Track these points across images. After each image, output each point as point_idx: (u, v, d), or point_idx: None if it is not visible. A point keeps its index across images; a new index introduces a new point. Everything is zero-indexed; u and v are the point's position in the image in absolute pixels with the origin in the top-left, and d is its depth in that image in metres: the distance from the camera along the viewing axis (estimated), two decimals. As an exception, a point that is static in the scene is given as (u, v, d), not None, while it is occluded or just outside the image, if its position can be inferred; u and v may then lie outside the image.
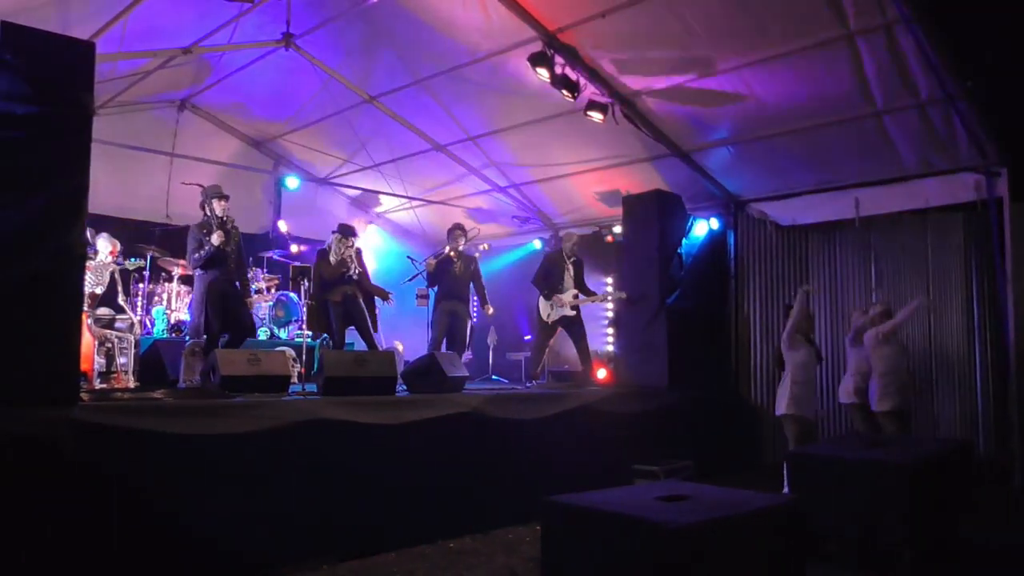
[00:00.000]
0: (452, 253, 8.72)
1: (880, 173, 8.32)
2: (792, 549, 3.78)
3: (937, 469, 5.17)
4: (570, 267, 8.90)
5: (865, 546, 4.94)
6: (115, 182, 9.51)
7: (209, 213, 6.88)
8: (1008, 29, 6.82)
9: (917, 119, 7.50)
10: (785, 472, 5.33)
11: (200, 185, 7.45)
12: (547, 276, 8.88)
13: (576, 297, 8.80)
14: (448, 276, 8.68)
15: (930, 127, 7.55)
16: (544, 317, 8.86)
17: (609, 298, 10.24)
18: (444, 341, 8.54)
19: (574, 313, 8.82)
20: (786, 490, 5.32)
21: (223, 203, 6.91)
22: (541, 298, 8.88)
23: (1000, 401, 8.08)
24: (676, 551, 3.15)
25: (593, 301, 9.22)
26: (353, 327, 7.76)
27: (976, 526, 5.89)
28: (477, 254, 9.45)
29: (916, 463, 4.89)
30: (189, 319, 8.67)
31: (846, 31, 6.72)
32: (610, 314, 11.07)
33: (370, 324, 7.76)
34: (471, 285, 8.88)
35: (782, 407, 6.77)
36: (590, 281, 9.31)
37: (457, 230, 8.90)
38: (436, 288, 8.85)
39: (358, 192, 12.26)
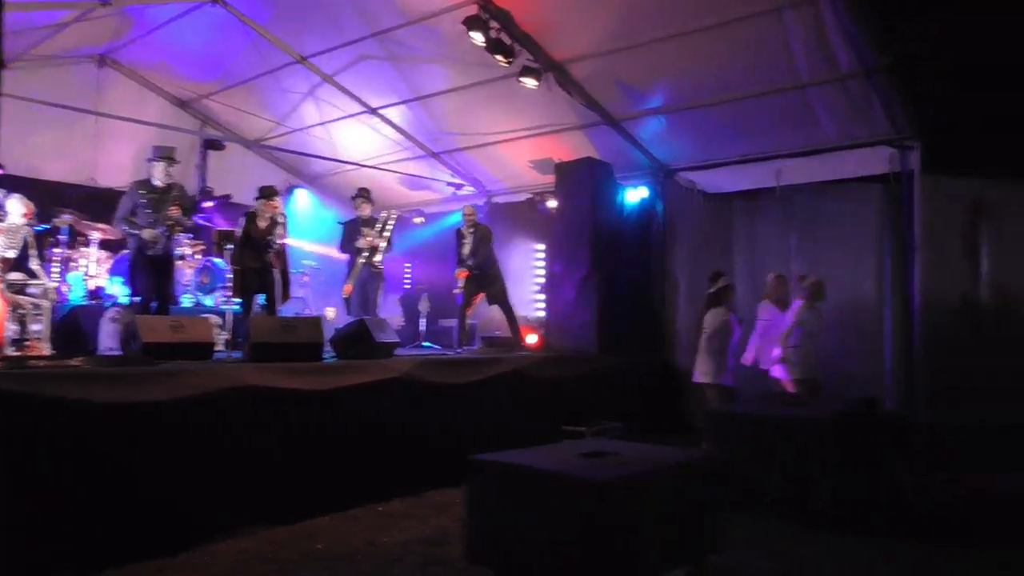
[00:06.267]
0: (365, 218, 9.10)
1: (802, 144, 8.56)
2: (711, 501, 3.96)
3: (854, 424, 5.44)
4: (469, 237, 9.23)
5: (789, 498, 5.19)
6: (32, 142, 9.12)
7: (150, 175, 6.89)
8: (924, 5, 7.08)
9: (838, 92, 7.73)
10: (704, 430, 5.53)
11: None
12: (456, 249, 9.31)
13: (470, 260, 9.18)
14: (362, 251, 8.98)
15: (850, 100, 7.80)
16: (457, 285, 9.21)
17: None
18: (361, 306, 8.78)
19: (476, 277, 9.14)
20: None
21: (167, 167, 6.90)
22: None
23: (907, 365, 8.50)
24: (597, 504, 3.27)
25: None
26: (263, 295, 7.70)
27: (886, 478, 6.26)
28: (384, 214, 9.55)
29: (836, 417, 5.13)
30: (110, 285, 8.46)
31: (774, 4, 6.87)
32: (541, 280, 11.19)
33: (278, 297, 7.71)
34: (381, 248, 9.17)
35: (700, 375, 6.96)
36: (522, 248, 9.44)
37: (360, 196, 9.23)
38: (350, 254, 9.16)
39: (289, 156, 12.02)
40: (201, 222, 10.16)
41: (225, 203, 10.79)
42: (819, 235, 9.26)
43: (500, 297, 9.20)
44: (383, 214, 9.39)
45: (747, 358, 7.70)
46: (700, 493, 3.84)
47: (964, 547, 4.80)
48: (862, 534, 4.98)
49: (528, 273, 11.42)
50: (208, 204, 10.52)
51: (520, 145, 10.33)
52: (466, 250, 9.20)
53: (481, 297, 9.30)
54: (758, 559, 4.46)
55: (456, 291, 9.19)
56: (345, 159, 11.30)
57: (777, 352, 7.33)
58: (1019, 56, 6.56)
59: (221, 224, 10.25)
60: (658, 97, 8.61)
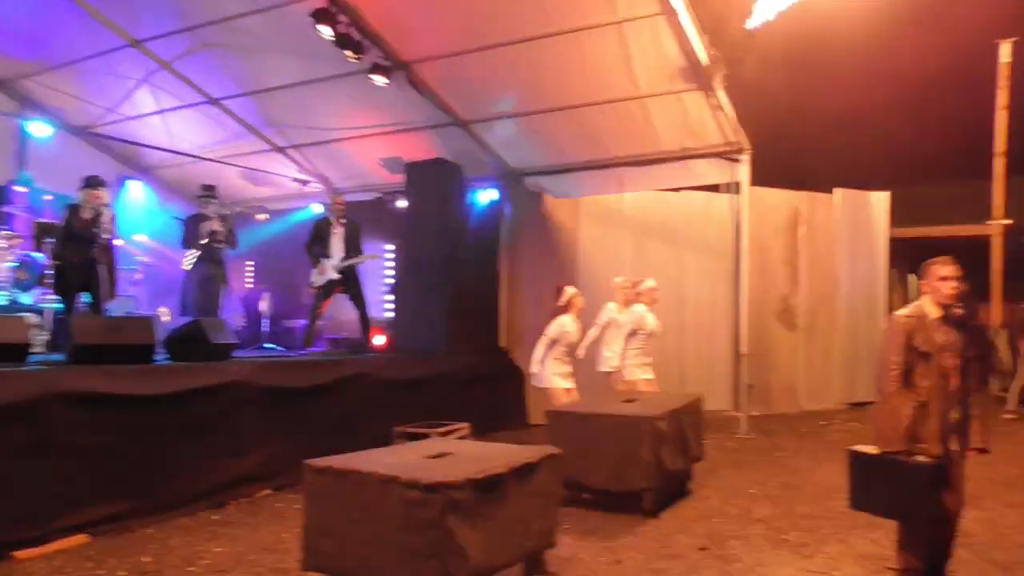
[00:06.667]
0: (210, 213, 8.55)
1: (643, 153, 8.97)
2: (550, 497, 4.07)
3: (678, 420, 5.75)
4: (339, 230, 8.79)
5: (621, 492, 5.43)
6: None
7: None
8: (753, 31, 7.63)
9: (675, 105, 8.18)
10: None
11: None
12: (317, 242, 8.77)
13: (342, 260, 8.74)
14: (202, 242, 8.50)
15: (687, 113, 8.27)
16: (315, 283, 8.76)
17: (368, 259, 10.07)
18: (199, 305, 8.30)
19: (340, 277, 8.74)
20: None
21: None
22: (313, 264, 8.80)
23: (735, 362, 9.12)
24: (437, 505, 3.28)
25: (356, 263, 9.12)
26: (87, 293, 7.17)
27: (708, 469, 6.68)
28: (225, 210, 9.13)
29: (659, 416, 5.42)
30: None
31: (616, 17, 7.16)
32: (390, 280, 11.09)
33: (104, 295, 7.20)
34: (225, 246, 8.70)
35: (543, 378, 7.12)
36: (371, 248, 9.27)
37: (205, 195, 8.76)
38: (192, 250, 8.58)
39: (121, 145, 11.25)
40: (18, 212, 9.33)
41: (45, 194, 9.95)
42: (659, 240, 9.76)
43: (359, 296, 8.94)
44: (225, 210, 8.98)
45: (587, 356, 7.98)
46: (539, 489, 3.94)
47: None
48: (677, 523, 5.28)
49: (377, 273, 11.28)
50: (20, 189, 9.65)
51: (370, 143, 10.20)
52: (336, 245, 8.73)
53: (335, 296, 8.94)
54: (592, 552, 4.63)
55: (315, 288, 8.75)
56: (183, 150, 10.73)
57: (618, 353, 7.63)
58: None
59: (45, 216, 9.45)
60: (507, 101, 8.76)
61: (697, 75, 7.66)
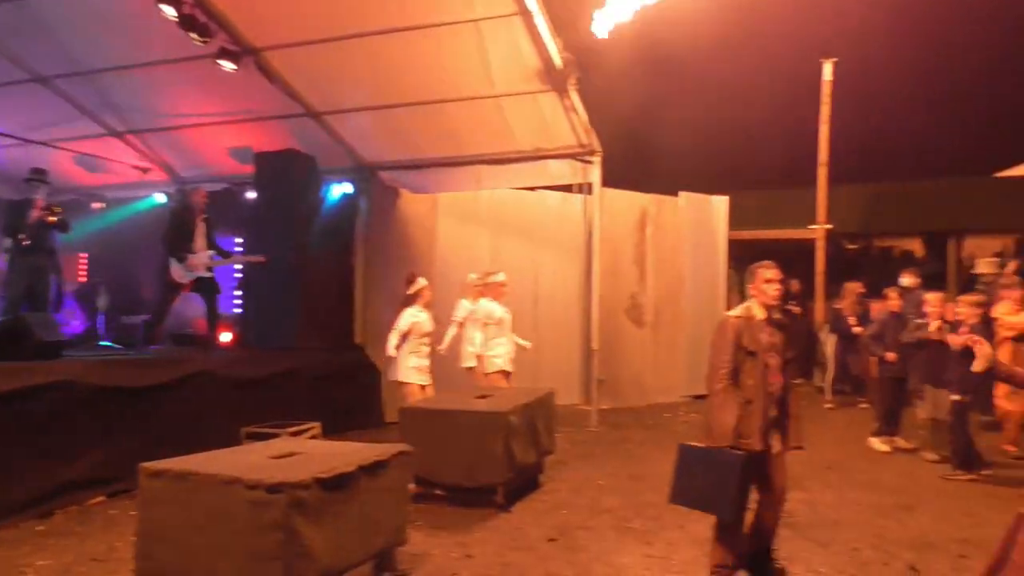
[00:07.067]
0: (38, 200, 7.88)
1: (499, 152, 9.07)
2: (400, 495, 4.06)
3: (529, 415, 5.88)
4: (202, 225, 8.38)
5: (466, 487, 5.49)
6: None
7: None
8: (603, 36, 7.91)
9: (531, 105, 8.34)
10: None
11: None
12: (178, 235, 8.26)
13: (212, 258, 8.34)
14: (30, 226, 7.79)
15: (542, 113, 8.45)
16: (176, 278, 8.24)
17: (245, 261, 9.78)
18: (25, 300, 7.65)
19: (210, 275, 8.37)
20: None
21: None
22: (172, 258, 8.24)
23: (586, 358, 9.43)
24: (281, 507, 3.20)
25: (229, 263, 8.82)
26: None
27: (559, 461, 6.88)
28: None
29: (510, 411, 5.52)
30: None
31: (474, 15, 7.22)
32: (239, 275, 10.65)
33: None
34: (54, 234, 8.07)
35: (397, 374, 7.11)
36: (221, 241, 8.86)
37: (34, 178, 8.09)
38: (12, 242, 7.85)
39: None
40: None
41: None
42: (514, 238, 9.93)
43: (211, 291, 8.50)
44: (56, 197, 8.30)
45: (446, 350, 8.01)
46: (389, 487, 3.92)
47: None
48: (527, 515, 5.42)
49: (226, 268, 10.79)
50: None
51: (218, 131, 9.75)
52: (198, 240, 8.25)
53: (187, 291, 8.44)
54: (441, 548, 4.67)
55: (177, 283, 8.22)
56: (7, 131, 9.84)
57: (476, 346, 7.71)
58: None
59: None
60: (363, 94, 8.62)
61: (552, 77, 7.85)
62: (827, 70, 13.64)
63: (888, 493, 6.06)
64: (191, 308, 8.93)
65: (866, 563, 4.48)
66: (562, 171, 9.23)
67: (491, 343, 7.64)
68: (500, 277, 7.84)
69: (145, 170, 10.60)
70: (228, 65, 7.76)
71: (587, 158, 8.89)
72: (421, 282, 7.21)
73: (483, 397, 6.17)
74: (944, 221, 15.35)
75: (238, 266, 10.44)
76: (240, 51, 7.81)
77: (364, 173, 9.84)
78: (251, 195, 9.68)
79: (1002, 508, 5.16)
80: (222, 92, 8.76)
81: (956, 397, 6.47)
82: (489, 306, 7.67)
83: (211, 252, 8.37)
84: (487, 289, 7.78)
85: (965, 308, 6.52)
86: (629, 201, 11.10)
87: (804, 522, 5.20)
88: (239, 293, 10.47)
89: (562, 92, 8.09)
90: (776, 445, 3.97)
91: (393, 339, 7.01)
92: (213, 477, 3.35)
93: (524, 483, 6.01)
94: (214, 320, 8.53)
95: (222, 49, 7.68)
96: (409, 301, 7.20)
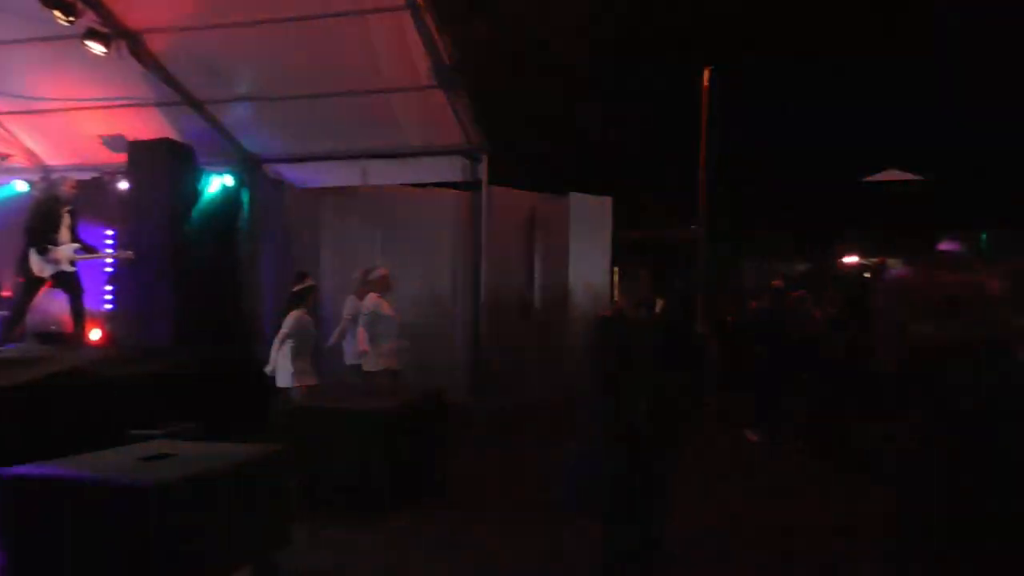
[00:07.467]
0: None
1: (386, 146, 8.97)
2: (279, 497, 3.96)
3: (415, 415, 5.85)
4: (67, 217, 7.98)
5: (355, 488, 5.40)
6: None
7: None
8: (495, 28, 7.94)
9: (419, 101, 8.28)
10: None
11: None
12: (41, 225, 7.85)
13: (76, 252, 7.88)
14: None
15: (430, 110, 8.40)
16: (36, 271, 7.77)
17: (113, 257, 9.34)
18: None
19: (72, 269, 7.90)
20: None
21: None
22: (33, 250, 7.74)
23: (474, 355, 9.46)
24: (150, 509, 3.07)
25: (95, 258, 8.36)
26: None
27: (449, 457, 6.87)
28: None
29: (394, 408, 5.48)
30: None
31: (359, 6, 7.10)
32: (109, 269, 10.09)
33: None
34: None
35: (282, 378, 6.92)
36: (91, 233, 8.42)
37: None
38: None
39: None
40: None
41: None
42: (402, 234, 9.82)
43: (75, 286, 8.04)
44: None
45: (335, 346, 7.89)
46: (267, 489, 3.82)
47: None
48: (416, 515, 5.40)
49: (96, 262, 10.19)
50: None
51: (87, 116, 9.20)
52: (63, 232, 7.86)
53: (49, 285, 7.96)
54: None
55: (35, 277, 7.80)
56: None
57: (359, 345, 7.59)
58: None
59: None
60: (245, 84, 8.36)
61: (440, 73, 7.81)
62: (706, 76, 14.15)
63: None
64: (55, 305, 8.39)
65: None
66: (451, 168, 9.20)
67: (378, 340, 7.55)
68: (381, 271, 7.77)
69: (4, 156, 9.90)
70: (97, 48, 7.34)
71: (476, 155, 8.91)
72: (308, 280, 7.05)
73: (367, 395, 6.10)
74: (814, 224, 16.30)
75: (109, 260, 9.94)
76: (111, 33, 7.40)
77: (247, 165, 9.52)
78: (123, 185, 9.19)
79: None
80: (95, 76, 8.27)
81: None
82: (375, 303, 7.57)
83: (75, 246, 7.95)
84: (373, 285, 7.68)
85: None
86: (518, 200, 11.18)
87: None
88: (110, 288, 9.93)
89: (450, 89, 8.07)
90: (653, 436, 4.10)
91: (276, 344, 6.85)
92: (77, 481, 3.17)
93: (411, 482, 5.97)
94: (80, 317, 8.08)
95: (90, 30, 7.25)
96: (295, 301, 7.02)
